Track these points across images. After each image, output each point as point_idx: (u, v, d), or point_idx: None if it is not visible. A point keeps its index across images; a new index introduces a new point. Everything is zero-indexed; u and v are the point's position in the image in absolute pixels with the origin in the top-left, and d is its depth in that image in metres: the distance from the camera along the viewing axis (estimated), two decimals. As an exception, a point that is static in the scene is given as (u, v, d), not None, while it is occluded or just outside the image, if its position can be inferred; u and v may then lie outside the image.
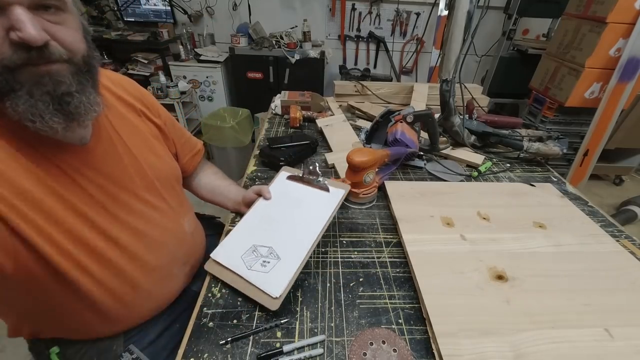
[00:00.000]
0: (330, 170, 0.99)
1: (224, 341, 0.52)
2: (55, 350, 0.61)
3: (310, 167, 0.73)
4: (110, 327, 0.61)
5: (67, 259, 0.48)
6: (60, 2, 0.40)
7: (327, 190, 0.70)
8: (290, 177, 0.76)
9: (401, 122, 0.95)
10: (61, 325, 0.58)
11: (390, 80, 2.79)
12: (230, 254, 0.63)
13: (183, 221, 0.69)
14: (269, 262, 0.60)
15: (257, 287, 0.57)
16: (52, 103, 0.40)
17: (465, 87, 1.10)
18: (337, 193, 0.69)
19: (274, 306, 0.54)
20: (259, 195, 0.73)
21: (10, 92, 0.38)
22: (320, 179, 0.72)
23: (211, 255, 0.64)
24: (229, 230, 0.74)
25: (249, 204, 0.74)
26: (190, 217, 0.74)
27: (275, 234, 0.65)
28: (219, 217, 0.98)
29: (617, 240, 0.71)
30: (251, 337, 0.53)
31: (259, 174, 0.95)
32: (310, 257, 0.63)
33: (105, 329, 0.60)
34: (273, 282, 0.57)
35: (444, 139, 1.10)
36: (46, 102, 0.40)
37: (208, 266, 0.64)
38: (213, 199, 0.83)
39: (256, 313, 0.57)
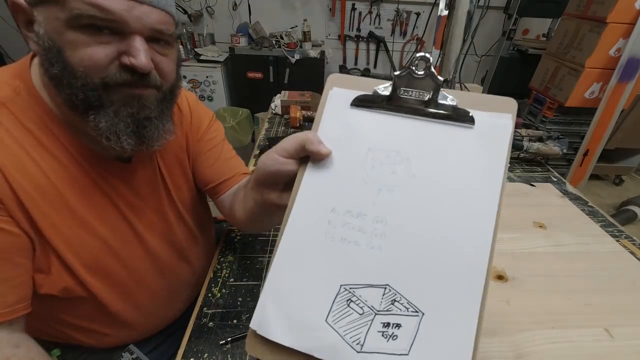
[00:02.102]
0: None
1: (224, 341, 0.51)
2: (57, 352, 0.61)
3: (413, 66, 0.32)
4: (112, 341, 0.61)
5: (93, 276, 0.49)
6: (170, 38, 0.43)
7: (471, 121, 0.30)
8: (359, 102, 0.34)
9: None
10: (66, 335, 0.58)
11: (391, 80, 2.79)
12: (297, 316, 0.30)
13: (198, 243, 0.68)
14: (399, 327, 0.27)
15: None
16: (132, 125, 0.42)
17: (465, 87, 1.11)
18: (496, 124, 0.30)
19: None
20: (300, 157, 0.35)
21: (99, 107, 0.40)
22: (444, 96, 0.32)
23: (253, 326, 0.30)
24: (229, 231, 0.74)
25: (278, 183, 0.38)
26: (207, 240, 0.72)
27: (384, 250, 0.30)
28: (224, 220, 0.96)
29: (617, 240, 0.71)
30: (251, 337, 0.53)
31: (259, 174, 0.95)
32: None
33: (107, 342, 0.61)
34: None
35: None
36: (127, 123, 0.42)
37: (254, 348, 0.30)
38: (245, 215, 0.54)
39: (256, 313, 0.57)
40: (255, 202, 0.44)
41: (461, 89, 1.06)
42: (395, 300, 0.28)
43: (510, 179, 0.97)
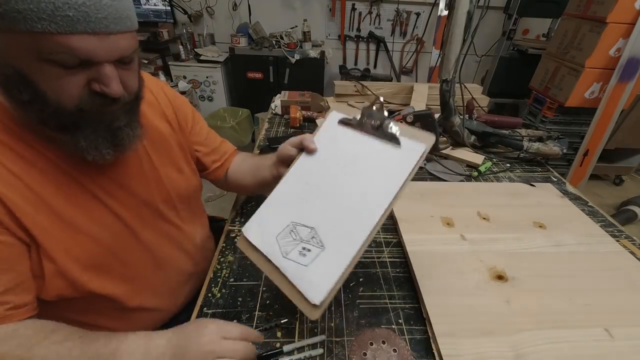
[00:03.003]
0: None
1: None
2: None
3: (374, 107, 0.49)
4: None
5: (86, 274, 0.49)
6: (134, 56, 0.43)
7: (398, 143, 0.47)
8: (342, 122, 0.53)
9: (401, 122, 0.96)
10: None
11: (390, 80, 2.79)
12: (265, 230, 0.49)
13: (195, 234, 0.69)
14: (309, 251, 0.45)
15: (292, 285, 0.44)
16: (108, 137, 0.44)
17: (465, 87, 1.10)
18: (413, 148, 0.46)
19: (313, 315, 0.41)
20: (300, 148, 0.54)
21: (76, 129, 0.41)
22: (391, 124, 0.48)
23: (242, 229, 0.51)
24: (229, 231, 0.75)
25: (287, 162, 0.56)
26: (202, 229, 0.73)
27: (321, 209, 0.47)
28: (227, 219, 0.97)
29: (617, 240, 0.71)
30: (251, 337, 0.53)
31: (259, 174, 0.95)
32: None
33: None
34: (314, 281, 0.42)
35: (444, 139, 1.10)
36: (104, 137, 0.44)
37: (241, 244, 0.51)
38: (254, 181, 0.69)
39: (256, 313, 0.57)
40: (272, 174, 0.62)
41: (461, 89, 1.06)
42: (314, 237, 0.46)
43: (510, 179, 0.97)
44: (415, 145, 0.46)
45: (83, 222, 0.48)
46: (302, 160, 0.53)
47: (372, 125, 0.49)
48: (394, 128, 0.47)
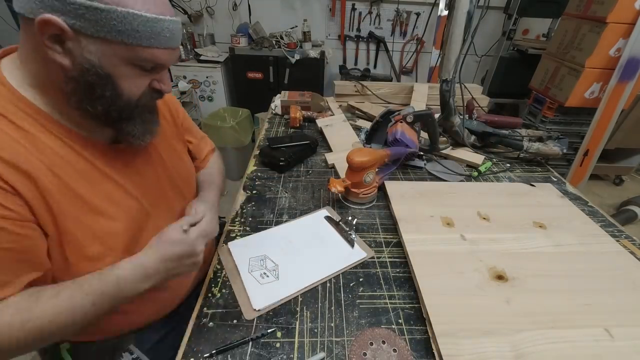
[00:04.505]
0: (330, 170, 0.99)
1: (207, 354, 0.50)
2: (66, 346, 0.61)
3: (349, 218, 0.73)
4: (127, 324, 0.62)
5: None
6: None
7: (352, 246, 0.70)
8: (327, 217, 0.78)
9: (401, 122, 0.95)
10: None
11: (390, 80, 2.79)
12: (244, 250, 0.69)
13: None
14: (268, 277, 0.63)
15: (245, 291, 0.60)
16: (145, 125, 0.54)
17: (465, 87, 1.10)
18: (358, 253, 0.69)
19: (249, 315, 0.56)
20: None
21: (129, 119, 0.51)
22: (352, 233, 0.72)
23: (229, 243, 0.71)
24: (229, 231, 0.75)
25: None
26: None
27: (287, 257, 0.68)
28: (224, 217, 0.98)
29: (617, 240, 0.71)
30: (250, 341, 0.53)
31: (259, 173, 0.95)
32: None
33: (119, 327, 0.62)
34: (261, 295, 0.59)
35: (444, 139, 1.10)
36: (144, 125, 0.54)
37: (221, 250, 0.70)
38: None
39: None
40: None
41: (461, 89, 1.06)
42: (275, 270, 0.65)
43: (510, 179, 0.97)
44: (360, 252, 0.69)
45: (104, 204, 0.51)
46: (291, 224, 0.78)
47: (343, 228, 0.74)
48: (354, 237, 0.72)
